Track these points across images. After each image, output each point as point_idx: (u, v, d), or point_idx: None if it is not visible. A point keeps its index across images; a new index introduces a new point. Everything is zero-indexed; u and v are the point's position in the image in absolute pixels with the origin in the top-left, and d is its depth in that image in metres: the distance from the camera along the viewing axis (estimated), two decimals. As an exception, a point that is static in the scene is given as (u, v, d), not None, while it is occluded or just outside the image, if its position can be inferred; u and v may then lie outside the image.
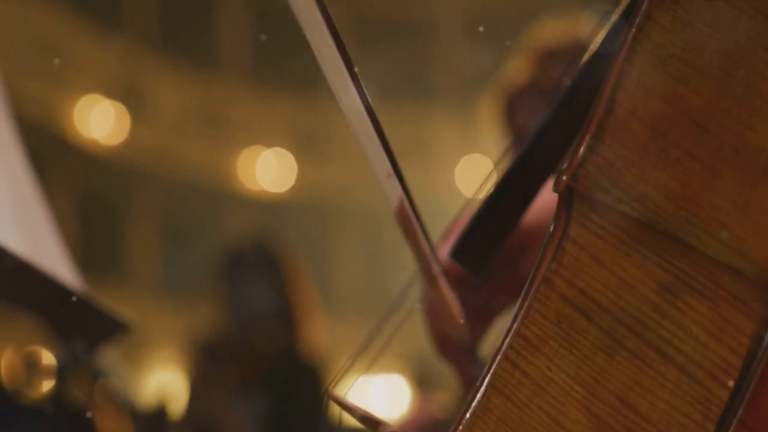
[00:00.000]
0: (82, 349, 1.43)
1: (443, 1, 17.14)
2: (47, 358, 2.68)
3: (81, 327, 1.43)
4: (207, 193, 16.17)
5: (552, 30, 2.85)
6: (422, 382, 9.63)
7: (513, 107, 2.80)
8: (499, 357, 0.92)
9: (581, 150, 0.89)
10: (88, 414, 2.82)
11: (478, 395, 0.92)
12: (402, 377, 15.65)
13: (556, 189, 0.90)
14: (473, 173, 16.31)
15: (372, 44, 16.61)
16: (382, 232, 16.71)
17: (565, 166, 0.90)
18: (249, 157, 16.60)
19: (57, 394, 2.75)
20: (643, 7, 0.88)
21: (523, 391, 0.91)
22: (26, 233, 1.39)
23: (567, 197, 0.90)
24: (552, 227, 0.93)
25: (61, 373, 2.67)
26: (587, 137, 0.89)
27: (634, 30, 0.88)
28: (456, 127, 16.61)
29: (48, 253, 1.44)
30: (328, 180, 16.76)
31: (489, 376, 0.92)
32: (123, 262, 15.43)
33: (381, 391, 15.67)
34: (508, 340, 0.92)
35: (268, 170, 16.68)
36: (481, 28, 16.09)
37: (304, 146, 16.94)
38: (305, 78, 16.80)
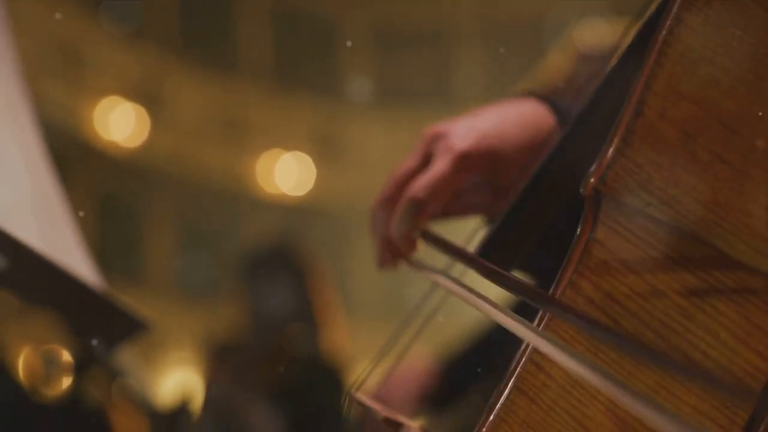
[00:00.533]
0: (102, 348, 1.43)
1: (462, 10, 17.12)
2: (65, 356, 2.67)
3: (101, 325, 1.43)
4: (226, 195, 16.18)
5: (592, 32, 2.85)
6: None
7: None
8: (524, 359, 0.92)
9: (609, 152, 0.88)
10: (105, 413, 2.82)
11: (502, 397, 0.92)
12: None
13: (583, 191, 0.90)
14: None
15: (392, 50, 16.61)
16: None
17: (593, 168, 0.89)
18: (268, 161, 16.60)
19: (74, 393, 2.75)
20: (674, 9, 0.88)
21: (548, 394, 0.91)
22: (48, 232, 1.39)
23: (594, 200, 0.90)
24: (579, 230, 0.92)
25: (78, 371, 2.67)
26: (616, 140, 0.88)
27: (664, 32, 0.88)
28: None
29: (69, 252, 1.44)
30: (347, 184, 16.75)
31: (513, 378, 0.92)
32: (142, 264, 15.44)
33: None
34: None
35: (287, 174, 16.68)
36: (499, 42, 16.09)
37: (323, 150, 16.94)
38: (325, 82, 16.83)
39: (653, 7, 1.07)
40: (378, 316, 16.93)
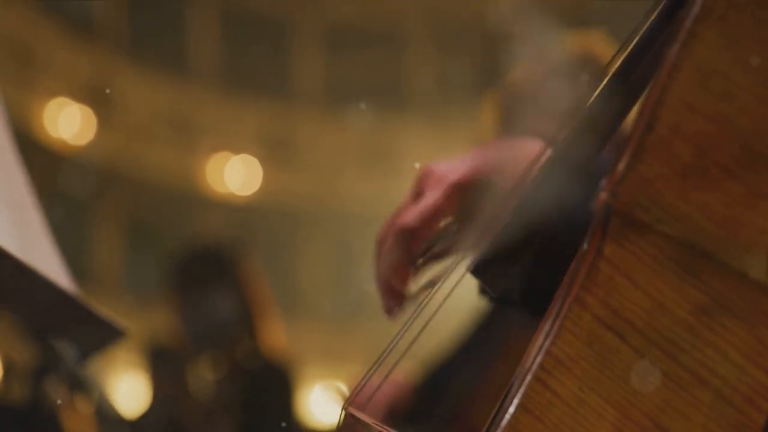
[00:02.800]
0: (77, 355, 1.40)
1: (413, 11, 17.15)
2: (25, 359, 2.64)
3: (80, 332, 1.41)
4: (173, 194, 16.11)
5: (563, 43, 2.84)
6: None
7: (512, 110, 2.80)
8: (529, 377, 0.90)
9: (621, 167, 0.87)
10: (59, 417, 2.78)
11: (507, 415, 0.90)
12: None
13: (593, 206, 0.88)
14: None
15: (343, 52, 16.61)
16: (350, 238, 16.69)
17: (603, 183, 0.88)
18: (216, 161, 16.55)
19: (33, 397, 2.72)
20: (688, 23, 0.87)
21: (554, 412, 0.89)
22: (25, 241, 1.36)
23: (604, 215, 0.88)
24: (585, 245, 0.91)
25: (38, 375, 2.64)
26: (627, 154, 0.87)
27: (678, 45, 0.86)
28: (427, 136, 16.61)
29: (46, 260, 1.42)
30: (297, 185, 16.74)
31: (519, 396, 0.90)
32: (88, 263, 15.32)
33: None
34: (538, 359, 0.90)
35: (235, 176, 16.63)
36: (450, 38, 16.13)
37: (272, 151, 16.89)
38: (274, 83, 16.79)
39: (640, 34, 1.07)
40: (326, 316, 16.92)
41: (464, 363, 2.42)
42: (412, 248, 1.18)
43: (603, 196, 0.87)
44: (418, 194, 1.23)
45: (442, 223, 1.20)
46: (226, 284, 4.03)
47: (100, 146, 15.06)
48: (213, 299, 3.98)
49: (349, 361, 16.66)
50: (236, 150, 16.59)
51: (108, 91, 15.30)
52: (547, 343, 0.90)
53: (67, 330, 1.38)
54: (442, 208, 1.18)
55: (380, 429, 1.03)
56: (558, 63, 2.73)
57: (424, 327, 1.16)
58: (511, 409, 0.90)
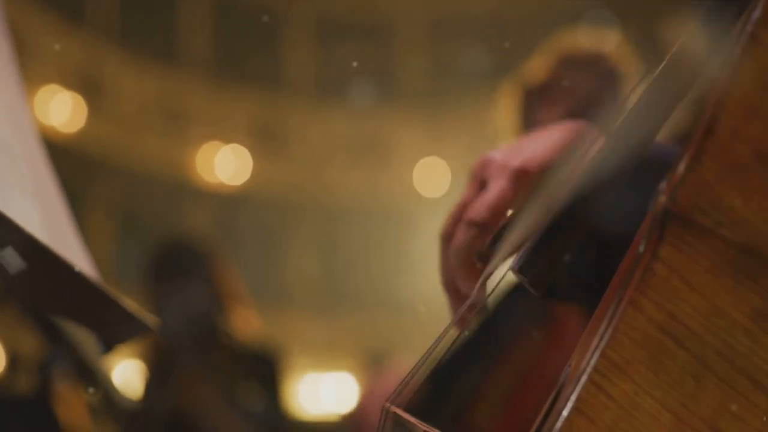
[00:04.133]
0: (101, 347, 1.39)
1: (405, 2, 17.14)
2: (31, 350, 2.64)
3: (104, 324, 1.40)
4: (163, 184, 16.08)
5: (576, 38, 2.86)
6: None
7: (529, 105, 2.81)
8: (583, 379, 0.90)
9: (680, 170, 0.87)
10: (62, 406, 2.79)
11: (561, 417, 0.90)
12: (351, 374, 15.66)
13: (652, 209, 0.88)
14: (431, 175, 16.33)
15: (332, 44, 16.59)
16: (339, 229, 16.68)
17: (662, 186, 0.87)
18: (207, 151, 16.52)
19: (39, 388, 2.72)
20: (749, 26, 0.86)
21: (609, 415, 0.89)
22: (53, 232, 1.36)
23: (662, 217, 0.88)
24: (641, 247, 0.91)
25: (46, 366, 2.64)
26: (686, 157, 0.87)
27: (739, 49, 0.86)
28: (416, 128, 16.61)
29: (72, 252, 1.41)
30: (286, 175, 16.72)
31: (573, 398, 0.90)
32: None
33: (331, 388, 15.68)
34: (593, 362, 0.90)
35: (225, 166, 16.62)
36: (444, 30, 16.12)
37: (262, 141, 16.88)
38: (265, 74, 16.76)
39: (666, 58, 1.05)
40: (313, 307, 16.92)
41: (468, 360, 2.41)
42: (482, 242, 1.16)
43: (662, 198, 0.87)
44: (480, 185, 1.21)
45: (508, 214, 1.17)
46: (200, 276, 4.06)
47: (90, 134, 15.03)
48: (187, 292, 4.01)
49: (337, 352, 16.69)
50: (227, 140, 16.57)
51: (98, 79, 15.27)
52: (602, 345, 0.90)
53: (94, 321, 1.37)
54: (510, 197, 1.16)
55: (425, 429, 1.02)
56: (573, 57, 2.75)
57: (466, 325, 1.15)
58: (565, 412, 0.90)
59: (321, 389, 15.54)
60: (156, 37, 16.16)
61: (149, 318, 1.39)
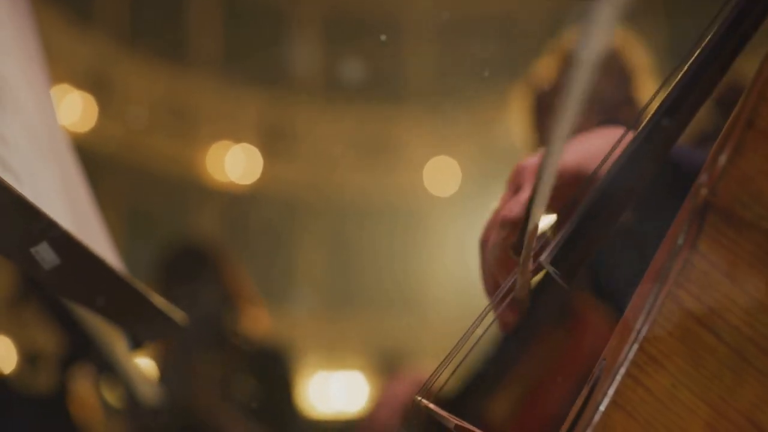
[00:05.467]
0: (131, 343, 1.39)
1: (415, 1, 17.12)
2: (51, 348, 2.64)
3: (135, 321, 1.40)
4: (173, 183, 16.08)
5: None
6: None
7: (541, 105, 2.81)
8: (621, 372, 0.90)
9: (721, 163, 0.86)
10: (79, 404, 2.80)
11: (599, 410, 0.90)
12: (360, 373, 15.65)
13: (693, 202, 0.88)
14: (441, 175, 16.31)
15: (342, 43, 16.57)
16: (349, 228, 16.67)
17: (702, 179, 0.87)
18: (217, 152, 16.52)
19: (59, 385, 2.72)
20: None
21: (646, 408, 0.89)
22: (82, 227, 1.36)
23: (702, 211, 0.88)
24: (680, 240, 0.90)
25: (64, 364, 2.64)
26: (727, 150, 0.86)
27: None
28: (426, 127, 16.60)
29: (102, 246, 1.41)
30: (296, 174, 16.72)
31: (610, 391, 0.90)
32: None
33: (340, 386, 15.69)
34: (630, 355, 0.90)
35: (235, 165, 16.61)
36: (453, 32, 16.11)
37: (272, 140, 16.87)
38: (275, 73, 16.76)
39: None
40: (322, 305, 16.92)
41: (495, 355, 2.42)
42: (517, 237, 1.16)
43: (702, 191, 0.87)
44: (516, 189, 1.22)
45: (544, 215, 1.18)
46: (210, 277, 4.06)
47: (100, 134, 15.03)
48: (198, 292, 4.01)
49: (345, 350, 16.68)
50: (237, 139, 16.56)
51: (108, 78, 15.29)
52: (639, 338, 0.90)
53: (126, 318, 1.37)
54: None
55: (457, 423, 1.02)
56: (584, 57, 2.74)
57: (492, 322, 1.15)
58: (602, 406, 0.89)
59: (331, 388, 15.54)
60: (166, 37, 16.16)
61: (178, 315, 1.39)
